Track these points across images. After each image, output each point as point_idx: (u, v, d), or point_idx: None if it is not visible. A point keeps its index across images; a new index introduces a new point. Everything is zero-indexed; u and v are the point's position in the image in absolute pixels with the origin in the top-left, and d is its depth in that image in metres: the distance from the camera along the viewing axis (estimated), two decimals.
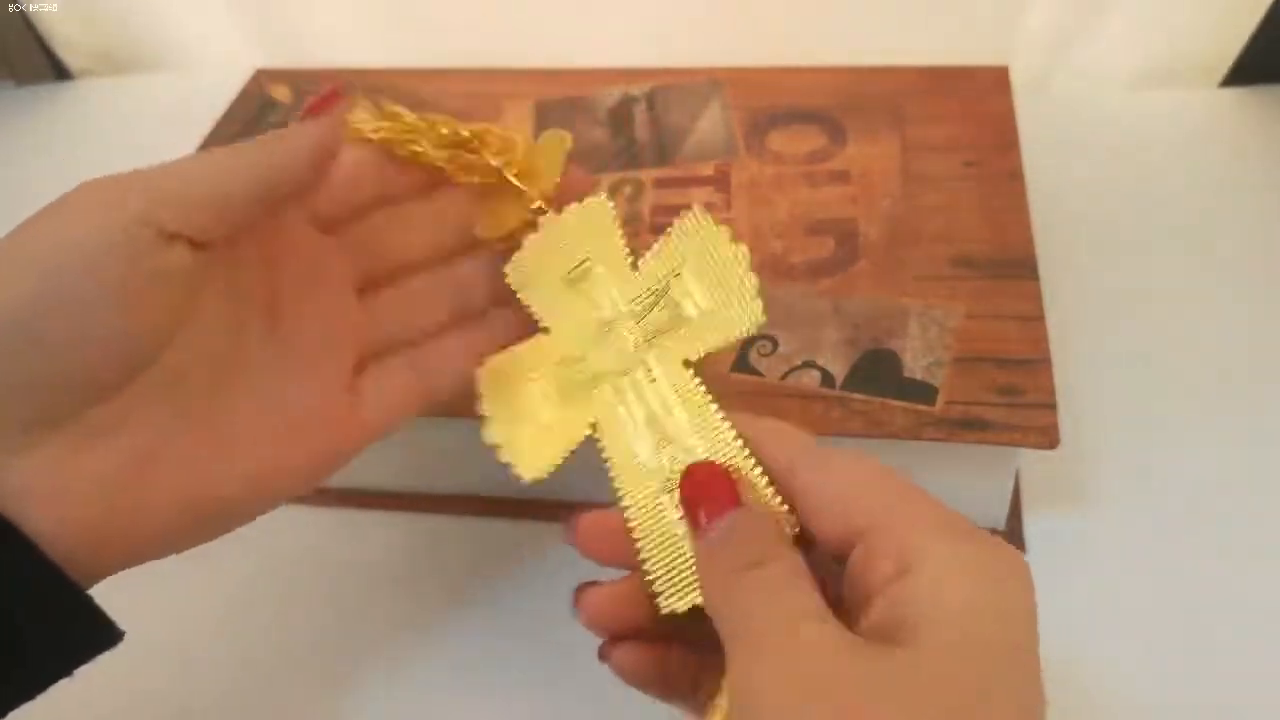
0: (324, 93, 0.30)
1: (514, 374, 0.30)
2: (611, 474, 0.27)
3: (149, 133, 0.59)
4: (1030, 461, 0.39)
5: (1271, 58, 0.55)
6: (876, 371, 0.36)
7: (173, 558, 0.26)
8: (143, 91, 0.65)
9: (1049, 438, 0.33)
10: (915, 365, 0.36)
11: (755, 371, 0.36)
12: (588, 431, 0.28)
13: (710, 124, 0.47)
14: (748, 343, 0.37)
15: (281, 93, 0.52)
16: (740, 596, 0.22)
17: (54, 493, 0.23)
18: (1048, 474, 0.39)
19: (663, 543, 0.26)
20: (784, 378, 0.36)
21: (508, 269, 0.31)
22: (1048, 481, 0.39)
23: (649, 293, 0.29)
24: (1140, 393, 0.42)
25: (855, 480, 0.24)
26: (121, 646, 0.24)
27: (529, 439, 0.29)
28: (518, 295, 0.31)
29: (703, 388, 0.27)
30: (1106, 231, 0.49)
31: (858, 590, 0.22)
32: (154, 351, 0.24)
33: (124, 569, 0.24)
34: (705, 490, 0.25)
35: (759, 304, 0.27)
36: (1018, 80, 0.47)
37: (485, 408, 0.29)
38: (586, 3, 0.60)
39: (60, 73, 0.67)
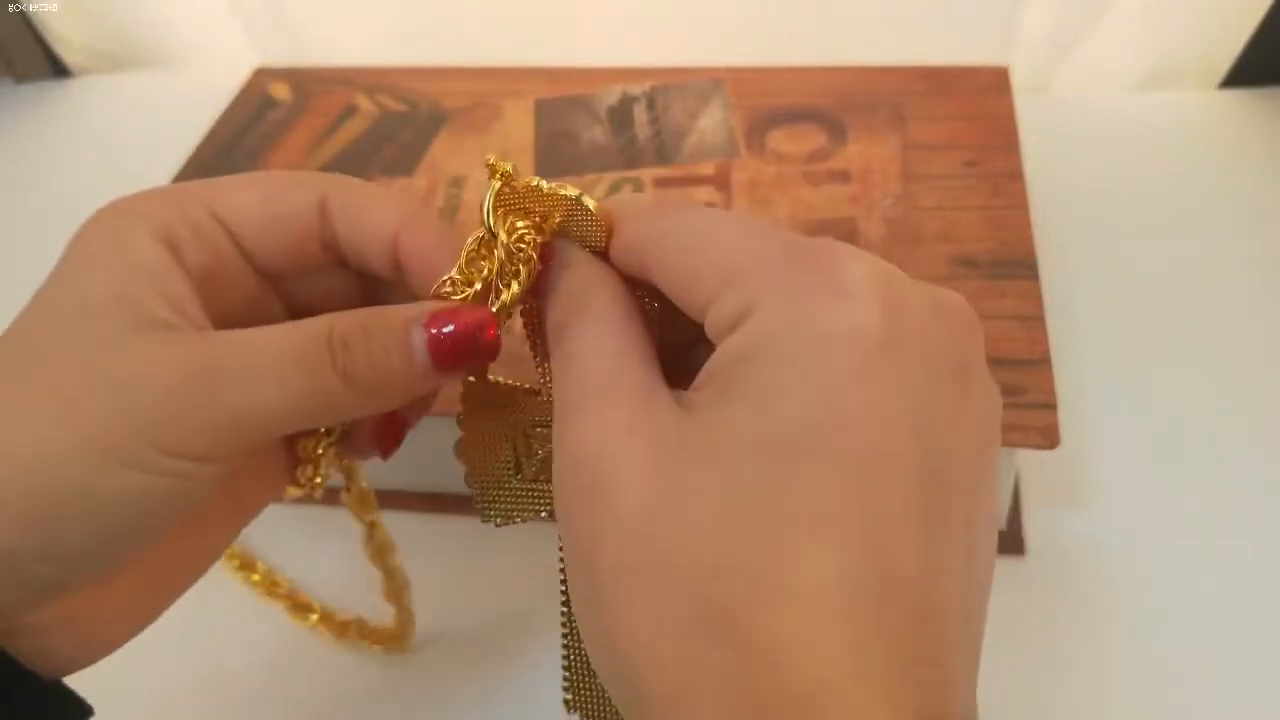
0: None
1: (488, 431, 0.26)
2: None
3: (148, 131, 0.60)
4: (1030, 461, 0.39)
5: (1271, 59, 0.55)
6: None
7: None
8: (142, 89, 0.65)
9: (1049, 438, 0.33)
10: None
11: None
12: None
13: (711, 123, 0.47)
14: None
15: (281, 91, 0.52)
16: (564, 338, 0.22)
17: (38, 633, 0.22)
18: (1048, 474, 0.39)
19: None
20: None
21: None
22: (1048, 481, 0.39)
23: None
24: (1140, 392, 0.42)
25: (710, 243, 0.21)
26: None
27: (495, 496, 0.26)
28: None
29: None
30: (1106, 232, 0.49)
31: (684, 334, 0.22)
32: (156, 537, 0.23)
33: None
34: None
35: None
36: (1018, 80, 0.47)
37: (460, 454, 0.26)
38: (586, 3, 0.60)
39: (59, 71, 0.67)
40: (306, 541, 0.41)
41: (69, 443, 0.20)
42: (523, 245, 0.23)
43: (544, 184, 0.23)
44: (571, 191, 0.23)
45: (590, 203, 0.23)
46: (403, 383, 0.23)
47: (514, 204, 0.23)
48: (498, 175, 0.23)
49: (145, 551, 0.23)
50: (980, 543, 0.19)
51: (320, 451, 0.27)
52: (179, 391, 0.21)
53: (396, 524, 0.40)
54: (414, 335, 0.22)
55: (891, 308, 0.19)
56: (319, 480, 0.27)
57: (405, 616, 0.35)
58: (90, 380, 0.20)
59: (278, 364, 0.21)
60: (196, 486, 0.22)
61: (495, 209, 0.23)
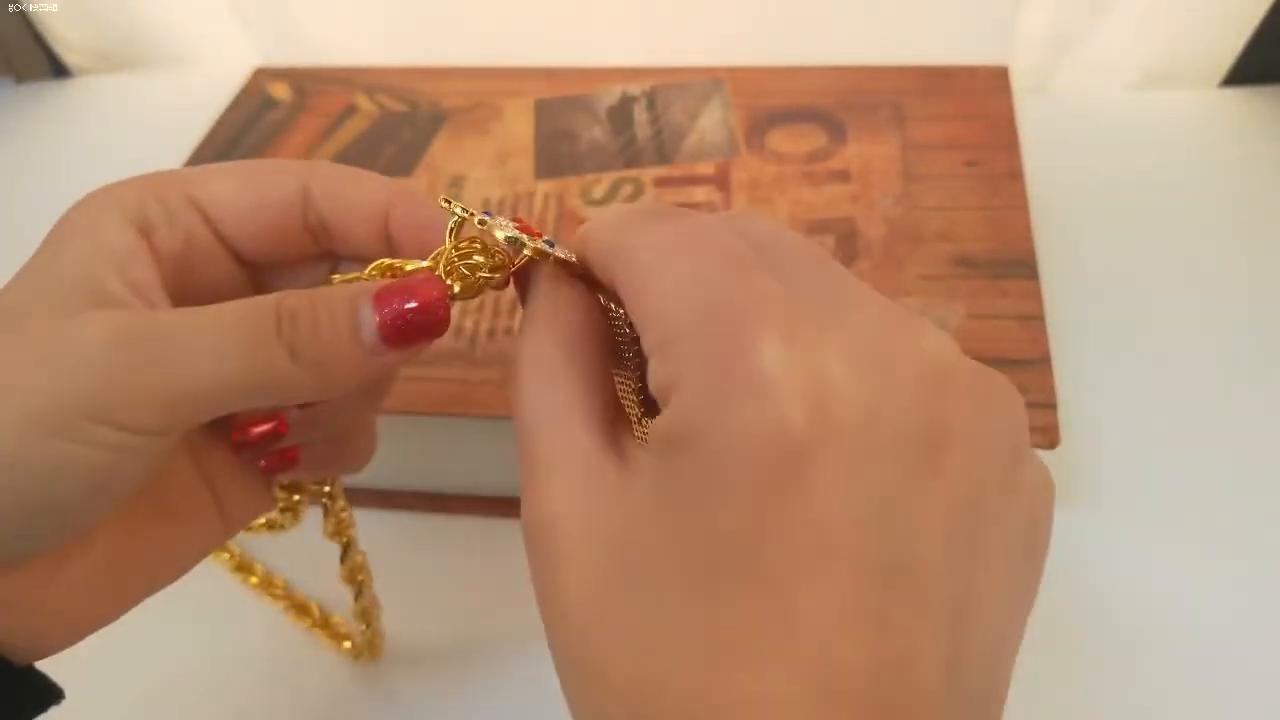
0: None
1: None
2: None
3: (148, 131, 0.60)
4: None
5: (1271, 58, 0.55)
6: None
7: None
8: (142, 90, 0.65)
9: (1049, 437, 0.33)
10: None
11: None
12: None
13: (710, 123, 0.47)
14: None
15: (281, 91, 0.52)
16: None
17: (18, 616, 0.22)
18: None
19: None
20: None
21: None
22: None
23: None
24: (1140, 393, 0.42)
25: (665, 285, 0.20)
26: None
27: None
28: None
29: None
30: (1106, 231, 0.49)
31: None
32: (98, 516, 0.22)
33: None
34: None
35: None
36: (1018, 80, 0.47)
37: None
38: (586, 2, 0.60)
39: (59, 70, 0.67)
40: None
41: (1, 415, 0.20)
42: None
43: (500, 227, 0.22)
44: (527, 241, 0.22)
45: (530, 247, 0.22)
46: (349, 358, 0.22)
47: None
48: (455, 219, 0.23)
49: (95, 531, 0.23)
50: (982, 619, 0.18)
51: (297, 498, 0.27)
52: (114, 358, 0.20)
53: (397, 524, 0.41)
54: (362, 308, 0.22)
55: (815, 398, 0.17)
56: (297, 498, 0.27)
57: (372, 635, 0.35)
58: (28, 351, 0.20)
59: (221, 334, 0.21)
60: (133, 460, 0.21)
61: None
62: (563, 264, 0.22)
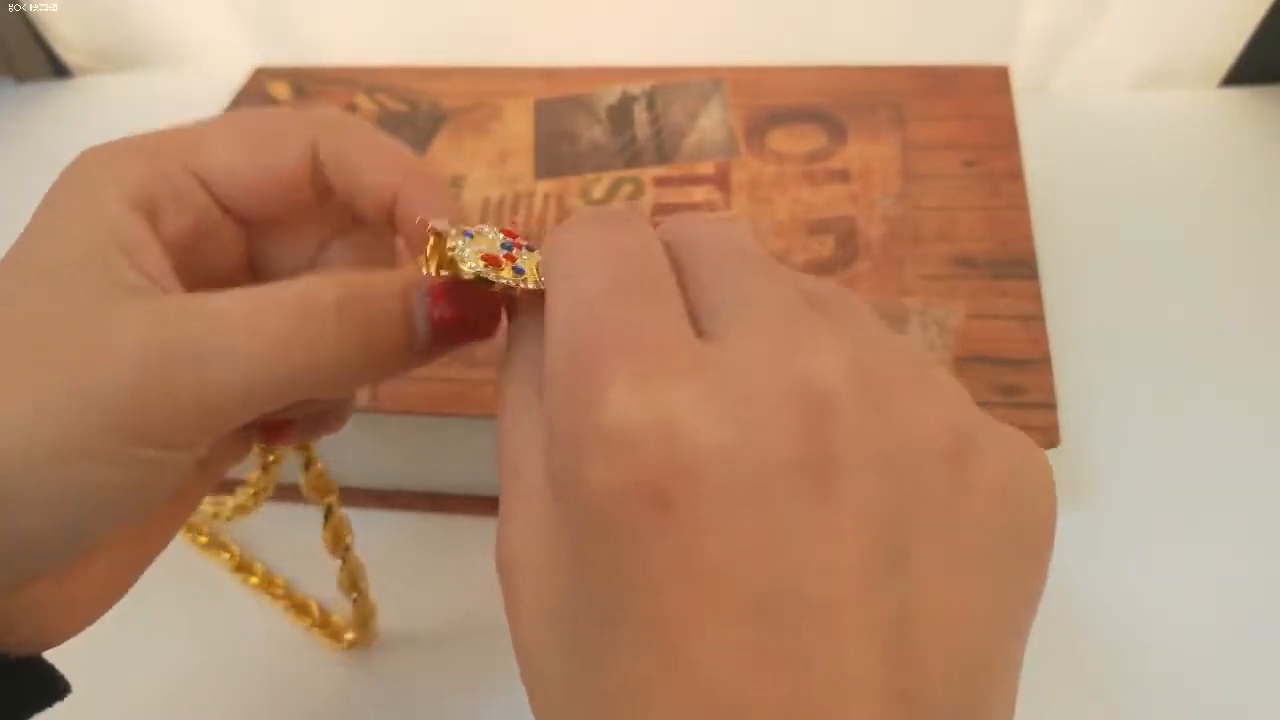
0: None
1: None
2: None
3: (148, 130, 0.59)
4: None
5: (1272, 58, 0.55)
6: None
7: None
8: (142, 89, 0.65)
9: (1049, 437, 0.33)
10: None
11: None
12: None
13: (710, 123, 0.47)
14: None
15: (281, 91, 0.52)
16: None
17: (36, 623, 0.21)
18: None
19: None
20: None
21: None
22: None
23: None
24: (1140, 392, 0.42)
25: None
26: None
27: None
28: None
29: None
30: (1106, 231, 0.49)
31: None
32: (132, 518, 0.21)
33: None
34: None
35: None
36: (1018, 80, 0.47)
37: None
38: (586, 2, 0.60)
39: (59, 71, 0.67)
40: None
41: (24, 431, 0.18)
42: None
43: (468, 260, 0.21)
44: (493, 277, 0.21)
45: (499, 283, 0.21)
46: (399, 355, 0.21)
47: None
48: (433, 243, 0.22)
49: (113, 539, 0.22)
50: (943, 639, 0.17)
51: (272, 458, 0.27)
52: (146, 372, 0.18)
53: (396, 524, 0.41)
54: (418, 305, 0.21)
55: (666, 445, 0.16)
56: (272, 458, 0.27)
57: (365, 606, 0.35)
58: (48, 356, 0.18)
59: (259, 337, 0.19)
60: (168, 475, 0.20)
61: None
62: (535, 293, 0.22)
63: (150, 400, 0.18)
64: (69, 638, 0.23)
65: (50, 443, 0.18)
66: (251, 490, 0.30)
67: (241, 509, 0.32)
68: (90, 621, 0.23)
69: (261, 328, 0.19)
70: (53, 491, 0.18)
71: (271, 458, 0.29)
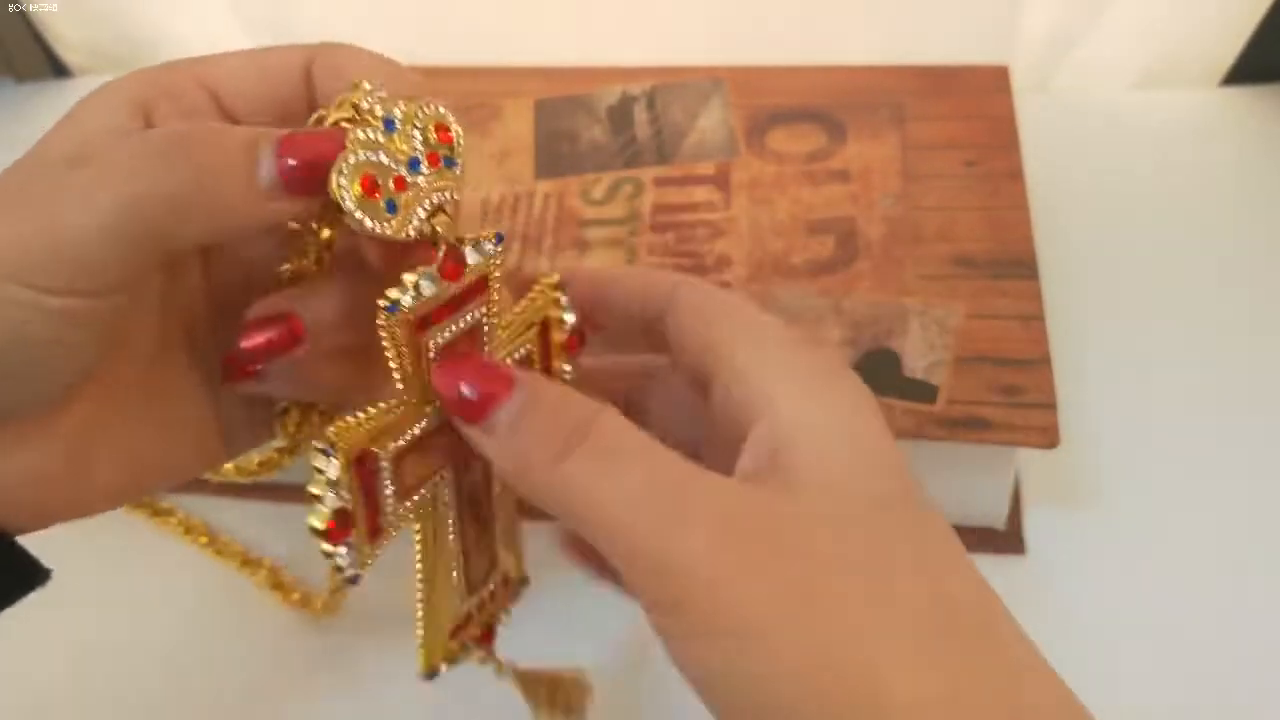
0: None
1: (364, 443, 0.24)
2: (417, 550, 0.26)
3: None
4: (1030, 461, 0.39)
5: (1272, 57, 0.55)
6: (877, 371, 0.36)
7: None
8: None
9: (1049, 437, 0.33)
10: (915, 365, 0.36)
11: None
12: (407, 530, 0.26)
13: (710, 123, 0.47)
14: None
15: None
16: (581, 484, 0.21)
17: None
18: (1048, 474, 0.39)
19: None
20: None
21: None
22: (1048, 481, 0.39)
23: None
24: (1140, 392, 0.42)
25: (703, 317, 0.24)
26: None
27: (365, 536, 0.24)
28: (389, 350, 0.23)
29: None
30: (1106, 231, 0.49)
31: (725, 429, 0.23)
32: (82, 370, 0.22)
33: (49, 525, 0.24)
34: (469, 377, 0.23)
35: None
36: (1018, 80, 0.47)
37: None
38: (586, 2, 0.59)
39: (59, 71, 0.67)
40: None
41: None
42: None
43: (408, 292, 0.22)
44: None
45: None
46: (242, 198, 0.21)
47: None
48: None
49: (59, 412, 0.22)
50: None
51: (298, 419, 0.26)
52: (16, 215, 0.20)
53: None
54: (262, 153, 0.22)
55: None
56: (292, 427, 0.26)
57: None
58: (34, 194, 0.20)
59: (105, 171, 0.20)
60: (68, 325, 0.20)
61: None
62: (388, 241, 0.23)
63: (16, 243, 0.20)
64: (35, 527, 0.23)
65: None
66: (260, 461, 0.29)
67: (266, 465, 0.30)
68: (58, 514, 0.23)
69: (107, 165, 0.21)
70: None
71: (292, 426, 0.27)
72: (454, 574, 0.27)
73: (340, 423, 0.23)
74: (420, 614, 0.27)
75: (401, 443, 0.24)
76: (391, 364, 0.23)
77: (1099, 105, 0.56)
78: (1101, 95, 0.56)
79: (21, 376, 0.21)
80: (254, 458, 0.30)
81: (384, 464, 0.23)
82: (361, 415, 0.23)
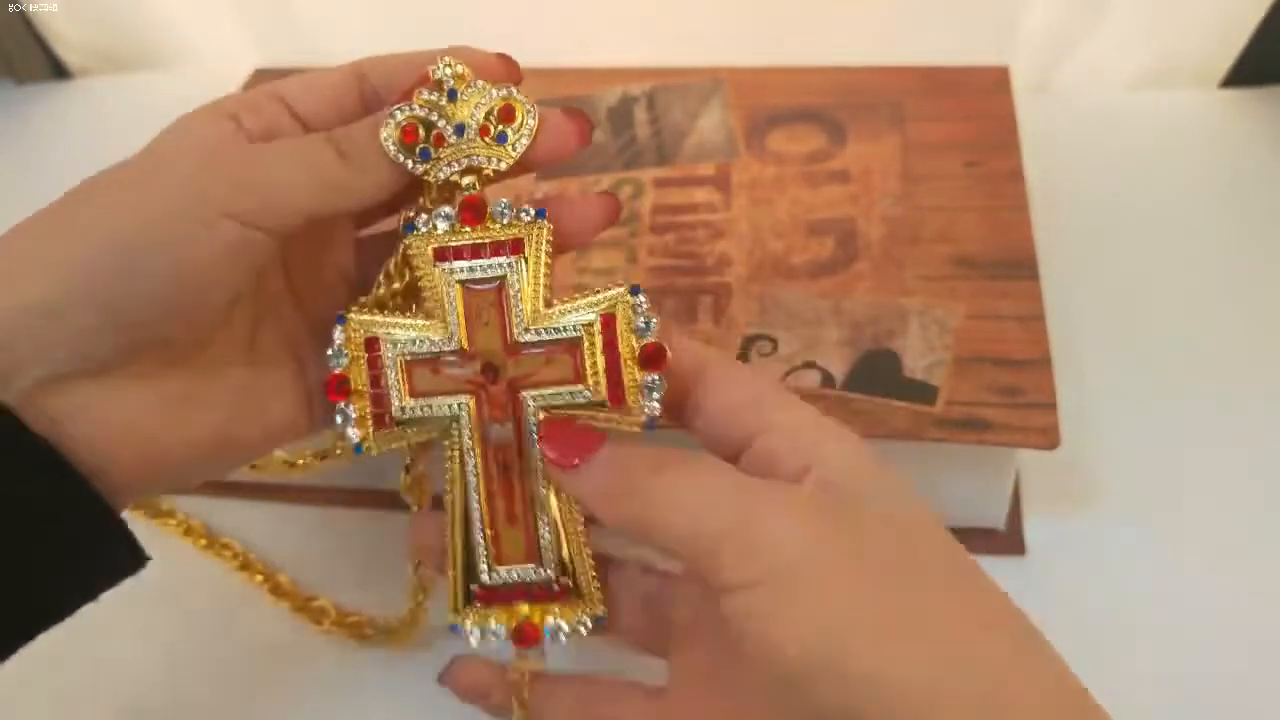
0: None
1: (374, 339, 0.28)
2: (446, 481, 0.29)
3: (148, 132, 0.59)
4: (1030, 461, 0.39)
5: (1271, 59, 0.55)
6: (877, 371, 0.36)
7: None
8: (142, 90, 0.65)
9: (1049, 438, 0.33)
10: (915, 365, 0.36)
11: None
12: (435, 437, 0.29)
13: (710, 124, 0.47)
14: (748, 342, 0.37)
15: None
16: (672, 490, 0.24)
17: (100, 421, 0.25)
18: (1048, 474, 0.39)
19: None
20: (784, 378, 0.36)
21: (410, 242, 0.28)
22: (1048, 481, 0.39)
23: (547, 340, 0.28)
24: (1140, 393, 0.42)
25: (736, 382, 0.27)
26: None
27: (369, 417, 0.28)
28: (418, 271, 0.28)
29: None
30: (1106, 232, 0.49)
31: (759, 471, 0.25)
32: (223, 314, 0.27)
33: (149, 495, 0.28)
34: (568, 439, 0.27)
35: (645, 411, 0.27)
36: (1018, 80, 0.47)
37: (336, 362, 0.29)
38: (586, 2, 0.60)
39: (59, 71, 0.67)
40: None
41: (149, 203, 0.25)
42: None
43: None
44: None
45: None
46: (381, 159, 0.27)
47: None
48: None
49: (173, 362, 0.26)
50: None
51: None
52: (226, 167, 0.26)
53: (403, 524, 0.41)
54: (385, 120, 0.27)
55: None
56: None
57: (417, 612, 0.36)
58: (171, 167, 0.27)
59: (291, 151, 0.27)
60: (242, 255, 0.26)
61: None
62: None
63: (228, 184, 0.26)
64: (146, 490, 0.26)
65: (172, 214, 0.25)
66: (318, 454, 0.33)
67: (321, 455, 0.33)
68: (171, 477, 0.27)
69: (282, 156, 0.27)
70: (172, 249, 0.25)
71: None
72: (477, 534, 0.29)
73: (360, 307, 0.29)
74: (448, 547, 0.29)
75: (413, 349, 0.28)
76: (421, 280, 0.28)
77: (1099, 106, 0.56)
78: (1101, 96, 0.56)
79: (186, 305, 0.26)
80: (306, 451, 0.33)
81: (390, 355, 0.28)
82: (384, 315, 0.28)
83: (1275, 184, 0.51)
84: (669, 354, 0.27)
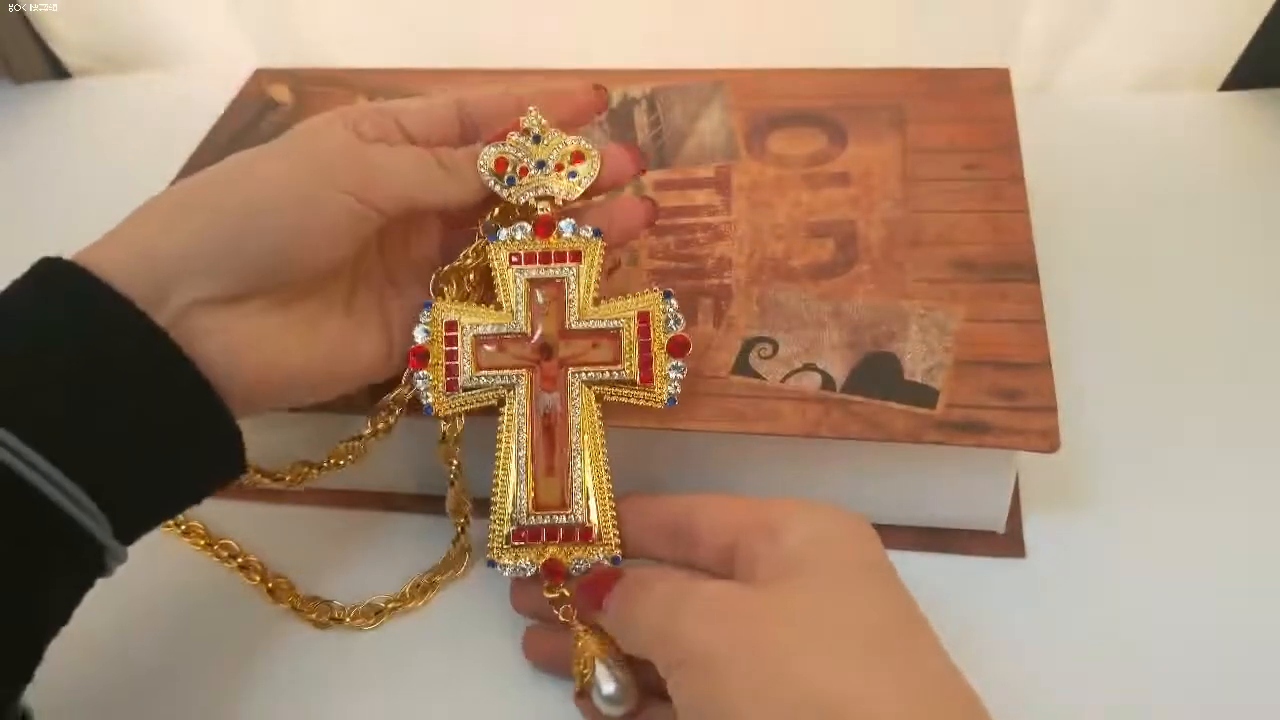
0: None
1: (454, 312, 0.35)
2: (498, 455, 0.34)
3: (148, 132, 0.59)
4: (1030, 464, 0.39)
5: (1270, 62, 0.55)
6: (877, 374, 0.36)
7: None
8: (141, 91, 0.65)
9: (1049, 441, 0.33)
10: (915, 368, 0.36)
11: (756, 374, 0.36)
12: (492, 403, 0.35)
13: (711, 126, 0.47)
14: (748, 345, 0.37)
15: (281, 92, 0.52)
16: (635, 611, 0.30)
17: (232, 336, 0.31)
18: (1048, 476, 0.39)
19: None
20: (784, 380, 0.36)
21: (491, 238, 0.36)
22: (1048, 483, 0.39)
23: (594, 329, 0.35)
24: (1140, 395, 0.42)
25: (721, 508, 0.31)
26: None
27: (442, 385, 0.35)
28: (494, 270, 0.35)
29: (602, 423, 0.34)
30: (1107, 235, 0.49)
31: (745, 568, 0.29)
32: (335, 268, 0.34)
33: (264, 406, 0.33)
34: (595, 586, 0.32)
35: (667, 391, 0.34)
36: (1018, 83, 0.47)
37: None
38: (587, 4, 0.60)
39: (59, 71, 0.67)
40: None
41: (284, 175, 0.32)
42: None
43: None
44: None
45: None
46: (474, 172, 0.35)
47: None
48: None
49: (297, 295, 0.33)
50: None
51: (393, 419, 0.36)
52: (351, 157, 0.33)
53: (402, 525, 0.41)
54: (481, 150, 0.36)
55: None
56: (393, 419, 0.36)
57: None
58: (307, 151, 0.33)
59: (404, 154, 0.34)
60: (356, 225, 0.33)
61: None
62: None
63: (352, 168, 0.33)
64: (268, 403, 0.33)
65: (302, 183, 0.32)
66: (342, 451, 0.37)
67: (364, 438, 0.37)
68: (288, 387, 0.33)
69: (397, 155, 0.34)
70: (303, 213, 0.32)
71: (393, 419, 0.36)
72: (516, 480, 0.34)
73: (445, 301, 0.36)
74: (493, 498, 0.34)
75: (484, 330, 0.35)
76: (495, 278, 0.35)
77: (1099, 109, 0.56)
78: (1102, 99, 0.57)
79: (308, 255, 0.32)
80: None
81: (464, 335, 0.35)
82: (464, 304, 0.36)
83: (1275, 186, 0.51)
84: (691, 345, 0.34)
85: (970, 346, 0.36)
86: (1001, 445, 0.34)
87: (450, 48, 0.58)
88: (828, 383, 0.36)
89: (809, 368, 0.36)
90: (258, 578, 0.39)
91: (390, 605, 0.38)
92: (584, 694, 0.33)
